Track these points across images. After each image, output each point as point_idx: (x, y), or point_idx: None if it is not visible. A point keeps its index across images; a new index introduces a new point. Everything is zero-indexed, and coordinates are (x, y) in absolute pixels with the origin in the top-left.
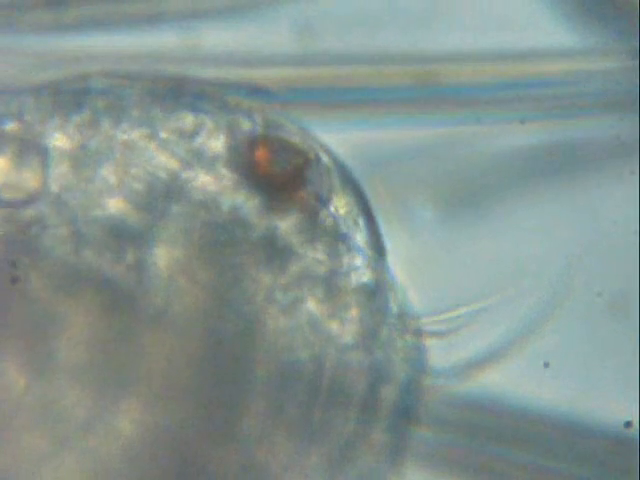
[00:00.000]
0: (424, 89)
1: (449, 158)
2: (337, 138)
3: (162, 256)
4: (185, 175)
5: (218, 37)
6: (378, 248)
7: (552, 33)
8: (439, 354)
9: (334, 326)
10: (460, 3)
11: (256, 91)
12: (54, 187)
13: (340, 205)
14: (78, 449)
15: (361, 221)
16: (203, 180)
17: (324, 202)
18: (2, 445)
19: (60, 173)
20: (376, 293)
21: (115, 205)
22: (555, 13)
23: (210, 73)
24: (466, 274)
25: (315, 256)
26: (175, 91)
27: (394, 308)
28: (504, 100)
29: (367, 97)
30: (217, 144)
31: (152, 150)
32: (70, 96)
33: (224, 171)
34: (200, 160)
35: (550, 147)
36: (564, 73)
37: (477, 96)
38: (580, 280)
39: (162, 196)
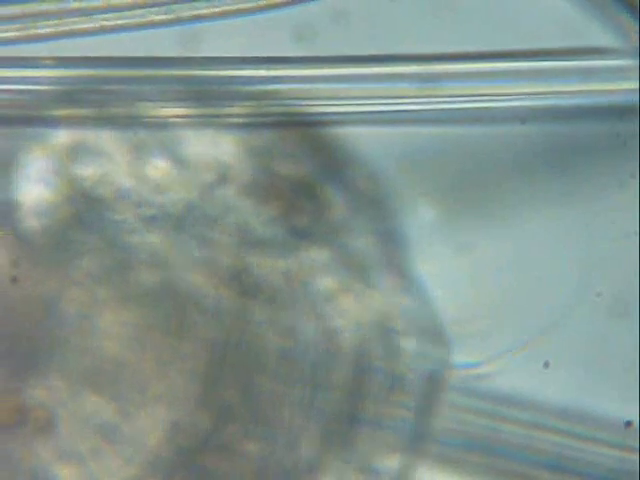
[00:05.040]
0: (425, 90)
1: (449, 159)
2: (339, 139)
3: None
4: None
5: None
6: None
7: (552, 33)
8: (459, 351)
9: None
10: (462, 4)
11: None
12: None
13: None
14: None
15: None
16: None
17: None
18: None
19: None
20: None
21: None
22: (555, 13)
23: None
24: (465, 273)
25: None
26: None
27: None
28: (504, 100)
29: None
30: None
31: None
32: None
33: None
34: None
35: (550, 148)
36: (565, 74)
37: (477, 97)
38: (580, 280)
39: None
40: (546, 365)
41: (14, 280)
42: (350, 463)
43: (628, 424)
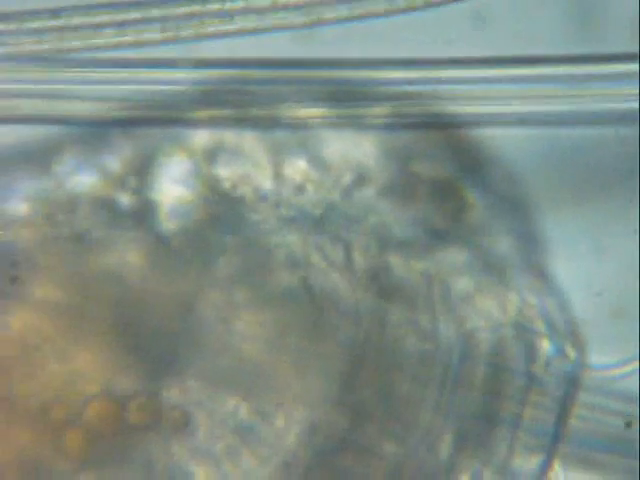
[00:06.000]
0: (565, 91)
1: (588, 160)
2: (479, 140)
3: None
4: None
5: None
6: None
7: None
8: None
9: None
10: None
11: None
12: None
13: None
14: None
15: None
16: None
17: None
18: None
19: None
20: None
21: None
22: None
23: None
24: (604, 274)
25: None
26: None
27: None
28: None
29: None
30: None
31: None
32: None
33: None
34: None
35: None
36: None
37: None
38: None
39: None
40: (547, 364)
41: (14, 280)
42: (487, 464)
43: (628, 424)
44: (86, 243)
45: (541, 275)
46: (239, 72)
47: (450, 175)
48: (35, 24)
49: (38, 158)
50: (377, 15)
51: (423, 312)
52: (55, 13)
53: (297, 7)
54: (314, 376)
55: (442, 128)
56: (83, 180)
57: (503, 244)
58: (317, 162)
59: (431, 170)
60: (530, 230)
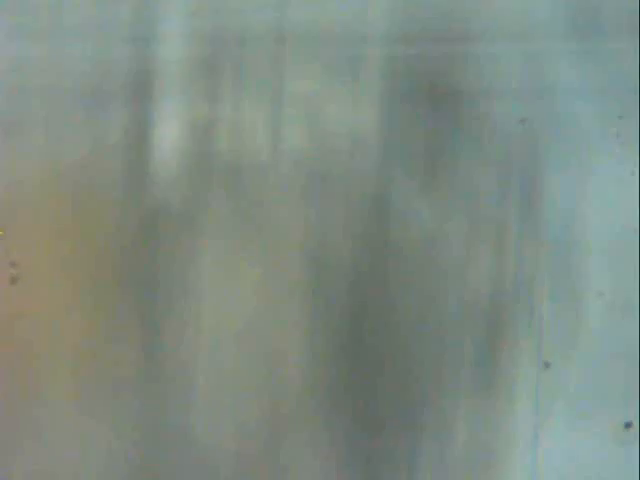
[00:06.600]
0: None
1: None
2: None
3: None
4: None
5: None
6: None
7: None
8: None
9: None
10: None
11: None
12: None
13: None
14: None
15: None
16: None
17: None
18: None
19: None
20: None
21: None
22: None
23: None
24: None
25: None
26: None
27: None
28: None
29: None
30: None
31: None
32: None
33: None
34: None
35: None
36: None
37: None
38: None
39: None
40: (547, 365)
41: (14, 280)
42: None
43: (628, 424)
44: None
45: None
46: None
47: None
48: None
49: None
50: None
51: None
52: None
53: None
54: None
55: None
56: None
57: None
58: None
59: None
60: None
